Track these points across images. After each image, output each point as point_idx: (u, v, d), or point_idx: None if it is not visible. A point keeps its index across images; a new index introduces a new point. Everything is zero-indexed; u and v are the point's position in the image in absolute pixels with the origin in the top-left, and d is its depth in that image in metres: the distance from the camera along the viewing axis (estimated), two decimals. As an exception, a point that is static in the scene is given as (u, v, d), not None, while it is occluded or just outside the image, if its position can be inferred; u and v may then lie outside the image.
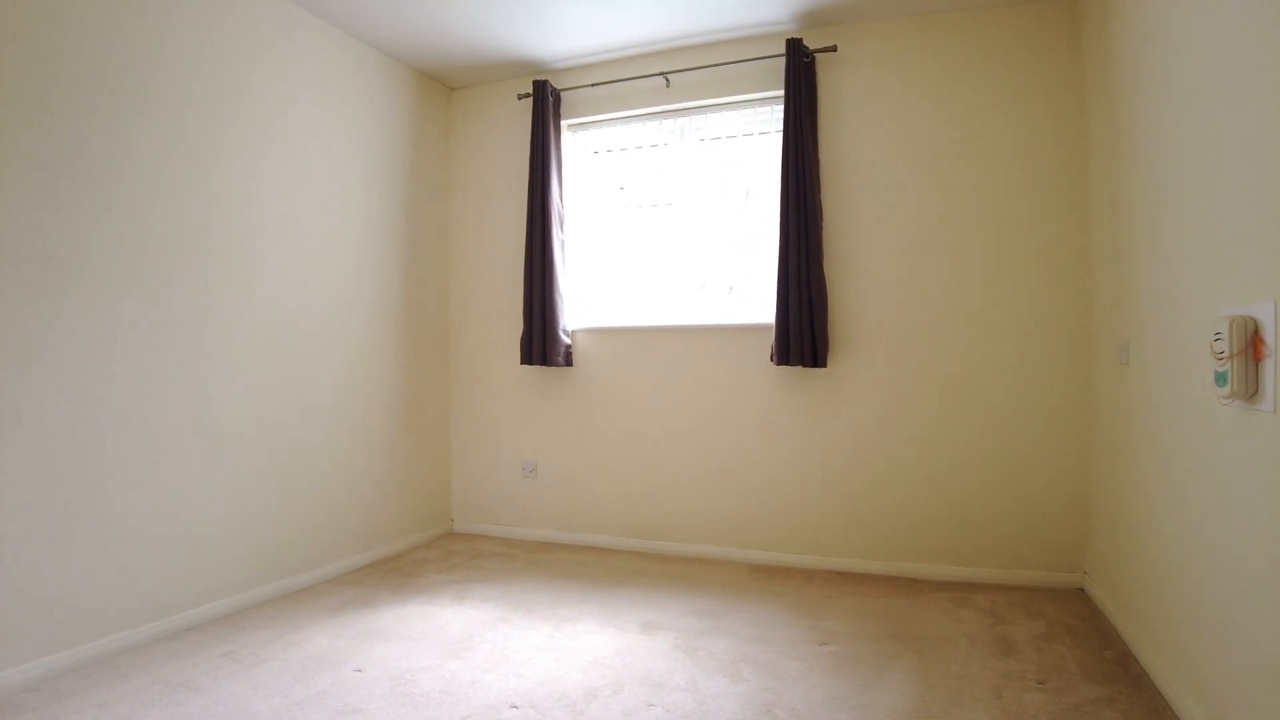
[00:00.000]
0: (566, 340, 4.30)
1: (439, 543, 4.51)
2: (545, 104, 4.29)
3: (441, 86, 4.72)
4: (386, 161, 4.26)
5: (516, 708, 2.36)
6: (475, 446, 4.73)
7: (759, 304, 4.08)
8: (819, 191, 3.76)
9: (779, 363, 3.77)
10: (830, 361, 3.83)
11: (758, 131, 4.13)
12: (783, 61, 3.92)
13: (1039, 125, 3.56)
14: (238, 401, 3.36)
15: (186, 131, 3.13)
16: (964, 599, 3.37)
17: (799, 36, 3.83)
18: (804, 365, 3.72)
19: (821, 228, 3.75)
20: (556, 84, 4.44)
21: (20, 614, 2.57)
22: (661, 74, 4.14)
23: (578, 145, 4.55)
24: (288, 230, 3.61)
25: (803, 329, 3.70)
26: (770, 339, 3.95)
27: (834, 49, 3.79)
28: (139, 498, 2.94)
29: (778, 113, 4.06)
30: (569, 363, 4.32)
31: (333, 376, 3.89)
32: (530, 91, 4.44)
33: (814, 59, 3.83)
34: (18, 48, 2.57)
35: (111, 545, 2.86)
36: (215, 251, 3.26)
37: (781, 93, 3.97)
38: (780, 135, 4.03)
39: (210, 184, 3.23)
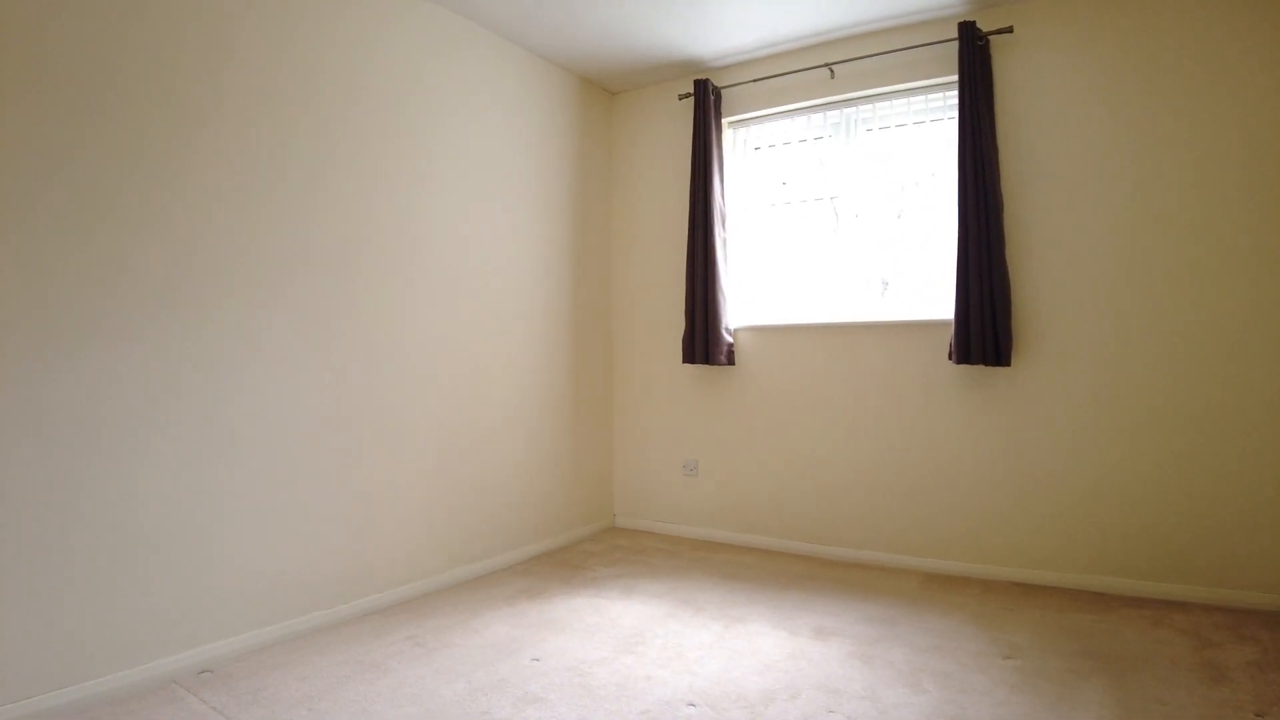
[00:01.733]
0: (729, 339, 4.27)
1: (602, 537, 4.60)
2: (706, 102, 4.29)
3: (603, 91, 4.81)
4: (552, 167, 4.38)
5: (694, 706, 2.36)
6: (637, 444, 4.79)
7: (931, 299, 3.91)
8: (999, 180, 3.56)
9: (958, 361, 3.59)
10: (1014, 360, 3.61)
11: (928, 120, 3.96)
12: (954, 46, 3.73)
13: (1259, 113, 3.20)
14: (418, 400, 3.56)
15: (365, 141, 3.35)
16: (1161, 617, 3.09)
17: (971, 19, 3.63)
18: (985, 364, 3.53)
19: (1003, 218, 3.55)
20: (717, 82, 4.43)
21: (231, 590, 2.83)
22: (825, 65, 4.05)
23: (738, 142, 4.52)
24: (462, 236, 3.79)
25: (984, 325, 3.51)
26: (945, 336, 3.77)
27: (1009, 30, 3.57)
28: (329, 489, 3.16)
29: (949, 99, 3.88)
30: (731, 361, 4.29)
31: (505, 377, 4.05)
32: (691, 91, 4.45)
33: (988, 41, 3.63)
34: (181, 57, 2.81)
35: (304, 531, 3.08)
36: (396, 258, 3.47)
37: (953, 78, 3.78)
38: (952, 123, 3.84)
39: (391, 193, 3.44)
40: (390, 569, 3.40)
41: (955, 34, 3.71)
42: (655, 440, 4.71)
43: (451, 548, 3.70)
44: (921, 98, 3.96)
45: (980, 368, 3.69)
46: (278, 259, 2.97)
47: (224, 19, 2.80)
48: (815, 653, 2.78)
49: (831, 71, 4.08)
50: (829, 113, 4.21)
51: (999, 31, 3.59)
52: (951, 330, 3.67)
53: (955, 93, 3.80)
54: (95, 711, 2.36)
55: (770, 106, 4.31)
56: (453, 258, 3.73)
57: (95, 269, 2.45)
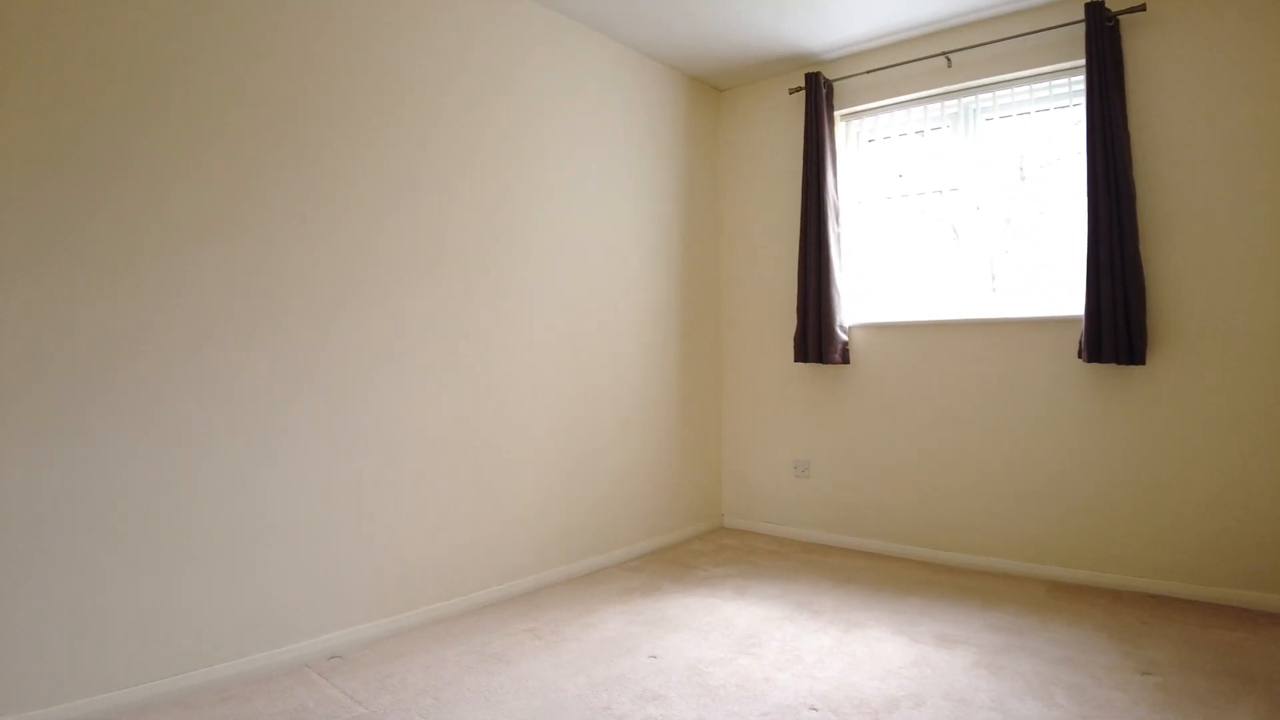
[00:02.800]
0: (843, 337, 4.20)
1: (711, 537, 4.59)
2: (818, 96, 4.22)
3: (710, 88, 4.80)
4: (661, 166, 4.41)
5: (815, 710, 2.33)
6: (746, 444, 4.76)
7: (1055, 295, 3.74)
8: (1131, 168, 3.37)
9: (1088, 359, 3.42)
10: (1149, 358, 3.42)
11: (1052, 107, 3.78)
12: (1081, 28, 3.55)
13: None
14: (536, 398, 3.64)
15: (488, 148, 3.45)
16: (1323, 638, 2.88)
17: (1100, -1, 3.46)
18: (1118, 362, 3.35)
19: (1136, 208, 3.36)
20: (828, 74, 4.35)
21: (359, 580, 2.96)
22: (942, 54, 3.92)
23: (850, 135, 4.44)
24: (575, 237, 3.86)
25: (1117, 321, 3.33)
26: (1070, 333, 3.60)
27: (1142, 8, 3.36)
28: (451, 484, 3.27)
29: (1075, 85, 3.69)
30: (846, 360, 4.21)
31: (617, 376, 4.10)
32: (802, 85, 4.39)
33: (1118, 22, 3.43)
34: (317, 68, 2.94)
35: (428, 523, 3.20)
36: (516, 259, 3.57)
37: (1080, 62, 3.60)
38: (1078, 109, 3.66)
39: (511, 196, 3.54)
40: (508, 562, 3.50)
41: (1082, 15, 3.53)
42: (765, 440, 4.67)
43: (566, 543, 3.77)
44: (1045, 84, 3.79)
45: (1111, 366, 3.50)
46: (406, 262, 3.11)
47: (357, 33, 2.93)
48: (939, 660, 2.70)
49: (948, 60, 3.95)
50: (945, 103, 4.08)
51: (1130, 10, 3.39)
52: (1081, 327, 3.50)
53: (1082, 77, 3.62)
54: (234, 689, 2.52)
55: (884, 98, 4.21)
56: (568, 258, 3.81)
57: (234, 272, 2.61)
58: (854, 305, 4.33)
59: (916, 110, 4.19)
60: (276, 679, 2.61)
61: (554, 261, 3.74)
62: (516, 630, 3.05)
